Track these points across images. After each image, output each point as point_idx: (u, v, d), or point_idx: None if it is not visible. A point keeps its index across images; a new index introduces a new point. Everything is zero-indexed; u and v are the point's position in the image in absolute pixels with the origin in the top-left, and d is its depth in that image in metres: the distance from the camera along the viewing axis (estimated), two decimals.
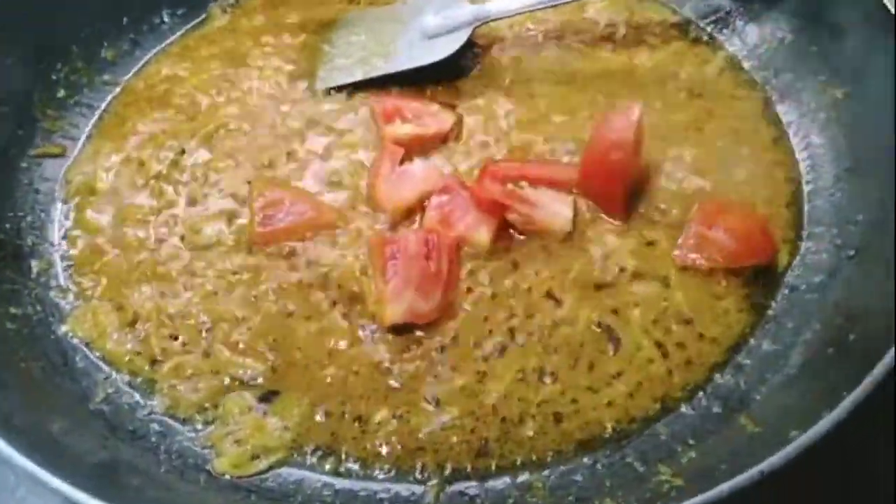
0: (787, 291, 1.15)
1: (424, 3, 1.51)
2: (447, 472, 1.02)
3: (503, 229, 1.22)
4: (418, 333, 1.12)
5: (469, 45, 1.45)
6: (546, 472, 1.01)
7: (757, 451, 0.85)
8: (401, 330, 1.13)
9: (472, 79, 1.45)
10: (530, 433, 1.04)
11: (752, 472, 0.78)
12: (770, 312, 1.13)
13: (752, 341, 1.10)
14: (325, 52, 1.52)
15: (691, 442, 1.00)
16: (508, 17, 1.45)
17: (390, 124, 1.35)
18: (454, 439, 1.04)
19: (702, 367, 1.09)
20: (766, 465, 0.79)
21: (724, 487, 0.77)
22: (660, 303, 1.14)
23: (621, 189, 1.19)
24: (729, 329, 1.12)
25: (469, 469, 1.02)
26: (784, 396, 0.99)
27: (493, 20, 1.45)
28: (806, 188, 1.26)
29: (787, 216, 1.24)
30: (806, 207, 1.24)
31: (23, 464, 0.85)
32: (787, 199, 1.26)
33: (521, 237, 1.21)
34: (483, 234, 1.20)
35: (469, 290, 1.17)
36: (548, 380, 1.08)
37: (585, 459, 1.02)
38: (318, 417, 1.06)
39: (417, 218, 1.25)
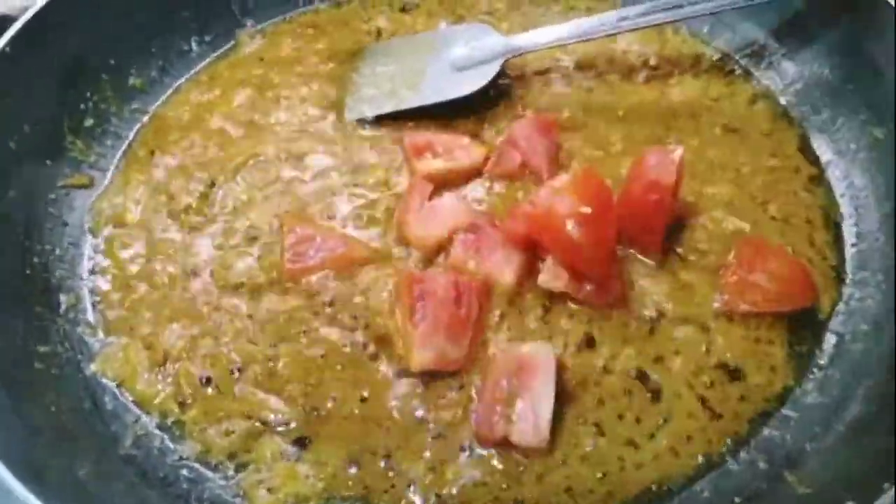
0: (833, 340, 1.13)
1: (453, 34, 1.50)
2: None
3: (530, 270, 1.19)
4: (454, 379, 1.10)
5: (499, 75, 1.43)
6: None
7: None
8: (433, 374, 1.10)
9: (502, 110, 1.43)
10: (575, 491, 1.02)
11: None
12: (816, 362, 1.11)
13: (797, 392, 1.08)
14: (353, 82, 1.50)
15: (737, 500, 0.98)
16: (539, 50, 1.43)
17: (421, 158, 1.34)
18: (488, 497, 1.02)
19: (746, 418, 1.06)
20: None
21: None
22: (701, 350, 1.12)
23: (660, 229, 1.17)
24: (774, 378, 1.09)
25: None
26: (835, 456, 0.96)
27: (522, 53, 1.43)
28: (850, 231, 1.23)
29: (829, 260, 1.21)
30: (850, 251, 1.21)
31: None
32: (827, 241, 1.23)
33: None
34: (509, 275, 1.18)
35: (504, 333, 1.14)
36: (592, 432, 1.05)
37: None
38: (351, 468, 1.04)
39: (445, 253, 1.23)
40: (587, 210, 1.09)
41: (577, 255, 1.11)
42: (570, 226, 1.09)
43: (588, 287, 1.14)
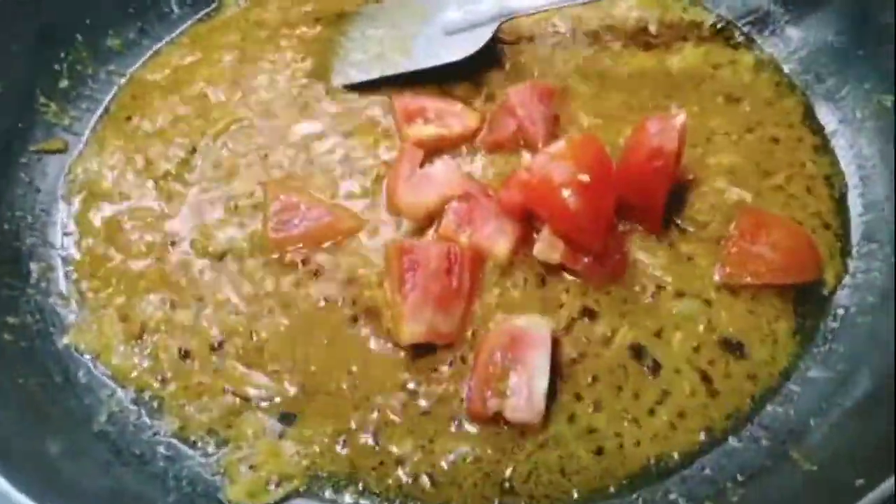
0: (839, 313, 1.09)
1: None
2: None
3: (525, 241, 1.15)
4: (444, 353, 1.05)
5: (493, 40, 1.37)
6: None
7: (817, 495, 0.78)
8: (424, 347, 1.06)
9: (497, 76, 1.38)
10: (567, 469, 0.98)
11: None
12: (821, 336, 1.07)
13: (801, 367, 1.04)
14: (341, 46, 1.44)
15: (740, 478, 0.94)
16: (534, 13, 1.37)
17: (412, 124, 1.28)
18: (478, 475, 0.98)
19: (749, 394, 1.03)
20: None
21: None
22: (702, 324, 1.08)
23: (661, 199, 1.12)
24: (777, 353, 1.06)
25: None
26: (841, 432, 0.93)
27: (517, 17, 1.37)
28: (856, 201, 1.19)
29: (834, 231, 1.17)
30: (856, 222, 1.17)
31: (19, 500, 0.78)
32: (832, 212, 1.19)
33: None
34: (502, 246, 1.14)
35: (498, 306, 1.09)
36: (589, 408, 1.01)
37: (628, 497, 0.95)
38: (337, 446, 1.00)
39: (437, 223, 1.18)
40: (585, 178, 1.04)
41: (574, 225, 1.07)
42: (566, 194, 1.05)
43: (586, 259, 1.10)
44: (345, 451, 0.99)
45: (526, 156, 1.24)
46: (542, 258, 1.10)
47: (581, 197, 1.04)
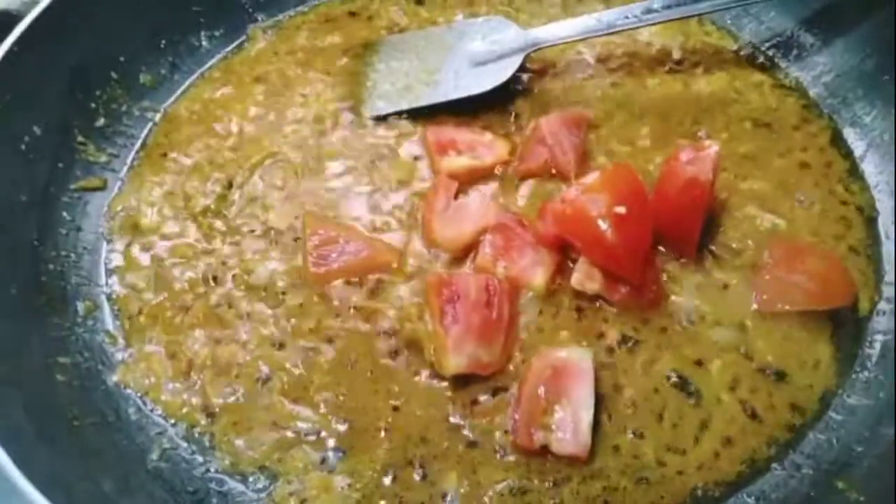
0: (877, 339, 1.10)
1: (470, 27, 1.46)
2: None
3: (561, 271, 1.16)
4: (487, 384, 1.07)
5: (520, 69, 1.39)
6: None
7: None
8: (466, 378, 1.07)
9: (525, 105, 1.40)
10: (612, 500, 0.99)
11: None
12: (860, 363, 1.08)
13: (842, 395, 1.05)
14: (368, 78, 1.46)
15: None
16: (560, 44, 1.39)
17: (444, 156, 1.30)
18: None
19: (790, 421, 1.04)
20: None
21: None
22: (740, 351, 1.09)
23: (697, 228, 1.14)
24: (816, 381, 1.07)
25: None
26: (888, 462, 0.94)
27: (543, 48, 1.39)
28: (890, 226, 1.20)
29: (866, 256, 1.19)
30: (888, 247, 1.18)
31: None
32: (864, 237, 1.20)
33: None
34: (539, 277, 1.15)
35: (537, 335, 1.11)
36: (632, 438, 1.03)
37: None
38: (386, 480, 1.01)
39: (473, 254, 1.20)
40: (622, 209, 1.06)
41: (611, 256, 1.08)
42: (603, 226, 1.06)
43: (623, 289, 1.11)
44: (394, 486, 1.00)
45: (561, 187, 1.25)
46: (580, 288, 1.11)
47: (618, 228, 1.06)
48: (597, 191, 1.09)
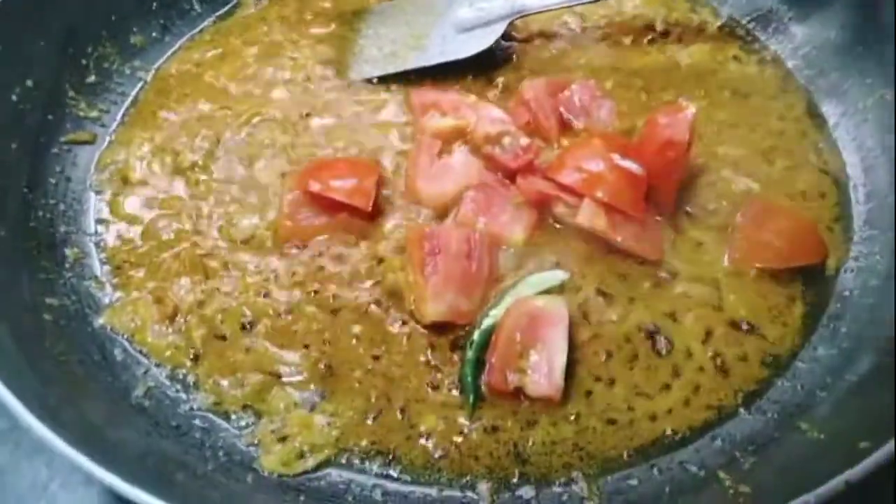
0: (843, 294, 1.14)
1: None
2: (499, 476, 1.00)
3: (540, 228, 1.19)
4: (466, 331, 1.10)
5: (505, 37, 1.42)
6: (602, 479, 0.99)
7: (823, 460, 0.83)
8: (444, 327, 1.10)
9: (510, 72, 1.42)
10: (581, 441, 1.02)
11: (836, 482, 0.76)
12: (826, 316, 1.12)
13: (808, 346, 1.09)
14: (356, 43, 1.49)
15: (750, 448, 0.99)
16: (545, 11, 1.42)
17: (428, 116, 1.32)
18: (497, 447, 1.02)
19: (758, 372, 1.07)
20: (847, 475, 0.76)
21: (810, 499, 0.75)
22: (712, 306, 1.12)
23: (673, 188, 1.17)
24: (785, 333, 1.10)
25: (517, 475, 1.00)
26: (848, 404, 0.98)
27: (529, 14, 1.42)
28: (860, 190, 1.24)
29: (837, 218, 1.22)
30: (858, 210, 1.22)
31: (72, 455, 0.82)
32: (835, 200, 1.24)
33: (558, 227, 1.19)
34: (519, 232, 1.18)
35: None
36: (605, 385, 1.06)
37: (642, 466, 1.00)
38: (367, 421, 1.04)
39: (455, 211, 1.22)
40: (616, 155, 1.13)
41: (614, 189, 1.12)
42: (603, 162, 1.13)
43: (627, 227, 1.13)
44: (373, 425, 1.03)
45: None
46: (587, 225, 1.13)
47: (615, 165, 1.12)
48: (589, 141, 1.16)
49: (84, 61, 1.37)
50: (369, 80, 1.41)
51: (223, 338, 1.11)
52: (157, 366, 1.09)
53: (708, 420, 1.03)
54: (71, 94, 1.34)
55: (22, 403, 0.82)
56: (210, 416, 1.05)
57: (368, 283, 1.15)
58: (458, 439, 1.02)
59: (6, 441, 1.13)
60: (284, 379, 1.07)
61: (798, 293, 1.14)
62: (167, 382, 1.08)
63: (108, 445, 0.89)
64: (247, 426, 1.04)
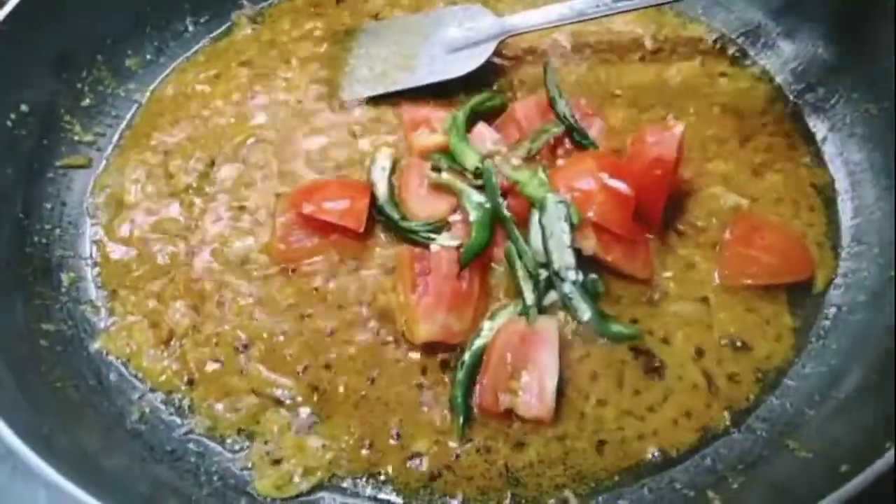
0: (831, 311, 1.14)
1: (447, 15, 1.50)
2: (491, 498, 1.01)
3: None
4: (457, 352, 1.11)
5: (496, 56, 1.43)
6: (593, 499, 1.00)
7: (811, 479, 0.84)
8: (437, 347, 1.11)
9: (500, 90, 1.43)
10: (570, 461, 1.03)
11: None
12: (815, 333, 1.12)
13: (798, 363, 1.10)
14: (347, 64, 1.50)
15: (740, 467, 1.00)
16: (534, 31, 1.43)
17: (417, 133, 1.33)
18: (488, 467, 1.03)
19: (748, 390, 1.08)
20: (834, 496, 0.77)
21: None
22: (703, 324, 1.13)
23: (660, 206, 1.18)
24: (775, 351, 1.11)
25: (509, 496, 1.01)
26: (834, 422, 0.98)
27: (518, 34, 1.43)
28: (847, 205, 1.25)
29: (825, 234, 1.23)
30: (847, 224, 1.23)
31: (64, 485, 0.83)
32: (823, 217, 1.25)
33: None
34: None
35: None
36: (593, 404, 1.07)
37: (633, 486, 1.00)
38: (361, 442, 1.05)
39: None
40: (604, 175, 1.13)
41: (603, 209, 1.12)
42: (592, 181, 1.14)
43: (617, 248, 1.14)
44: (366, 447, 1.05)
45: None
46: (578, 246, 1.13)
47: (604, 185, 1.13)
48: (580, 160, 1.18)
49: (79, 85, 1.39)
50: (361, 100, 1.42)
51: (218, 361, 1.12)
52: (153, 390, 1.10)
53: (698, 440, 1.04)
54: (66, 118, 1.36)
55: (15, 433, 0.83)
56: (205, 440, 1.06)
57: (361, 305, 1.16)
58: (451, 461, 1.03)
59: (3, 463, 1.14)
60: (279, 402, 1.08)
61: (787, 310, 1.14)
62: (162, 407, 1.09)
63: (101, 473, 0.90)
64: (241, 450, 1.05)
